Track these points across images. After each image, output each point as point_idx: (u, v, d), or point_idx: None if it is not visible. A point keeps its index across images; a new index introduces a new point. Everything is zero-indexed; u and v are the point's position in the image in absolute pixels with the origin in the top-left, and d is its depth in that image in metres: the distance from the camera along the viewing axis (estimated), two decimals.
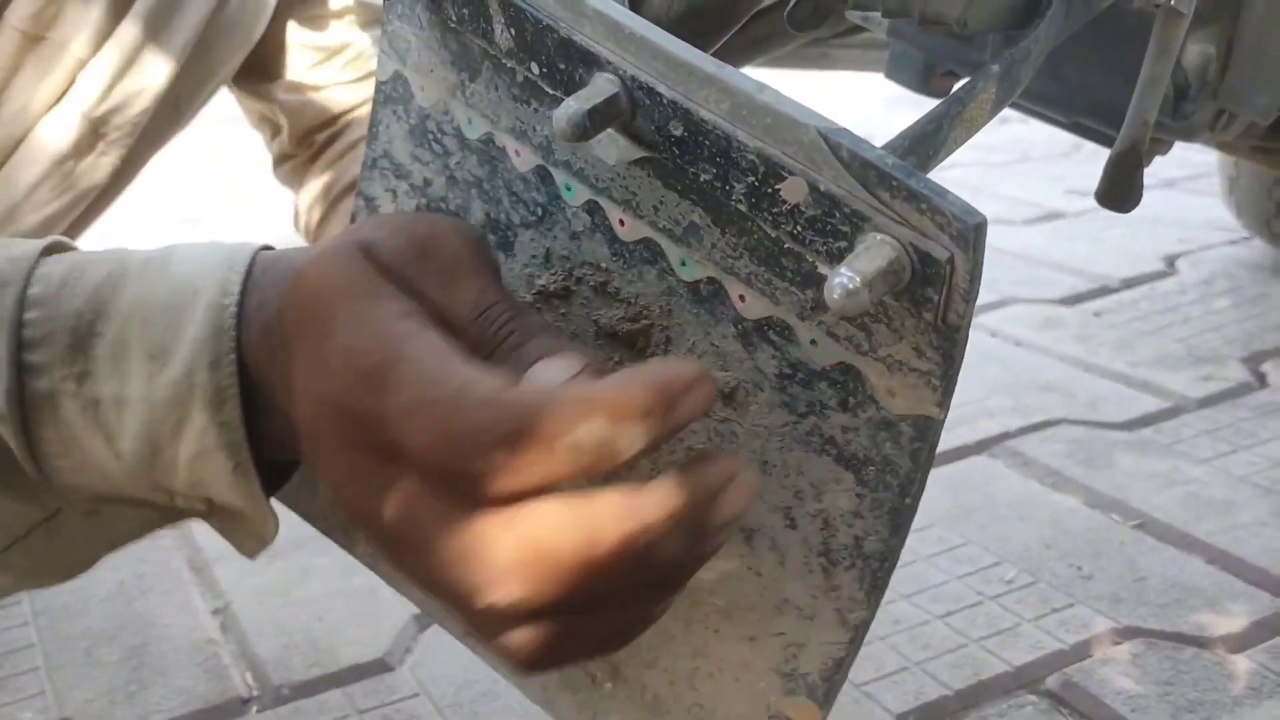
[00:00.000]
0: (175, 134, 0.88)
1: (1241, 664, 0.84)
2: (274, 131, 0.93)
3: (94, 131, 0.79)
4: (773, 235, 0.39)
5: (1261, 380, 1.29)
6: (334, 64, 0.89)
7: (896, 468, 0.39)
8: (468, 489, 0.33)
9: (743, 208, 0.39)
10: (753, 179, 0.38)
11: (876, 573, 0.41)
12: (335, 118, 0.89)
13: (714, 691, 0.45)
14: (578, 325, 0.45)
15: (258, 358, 0.41)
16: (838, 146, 0.35)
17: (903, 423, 0.39)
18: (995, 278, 1.63)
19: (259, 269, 0.43)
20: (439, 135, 0.47)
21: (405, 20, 0.47)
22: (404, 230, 0.40)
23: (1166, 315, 1.49)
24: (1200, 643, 0.86)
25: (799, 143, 0.36)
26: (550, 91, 0.42)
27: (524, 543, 0.33)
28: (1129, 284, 1.61)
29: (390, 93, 0.48)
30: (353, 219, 0.51)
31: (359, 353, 0.35)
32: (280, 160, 0.94)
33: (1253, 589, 0.93)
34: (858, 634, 0.42)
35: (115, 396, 0.42)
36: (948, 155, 0.41)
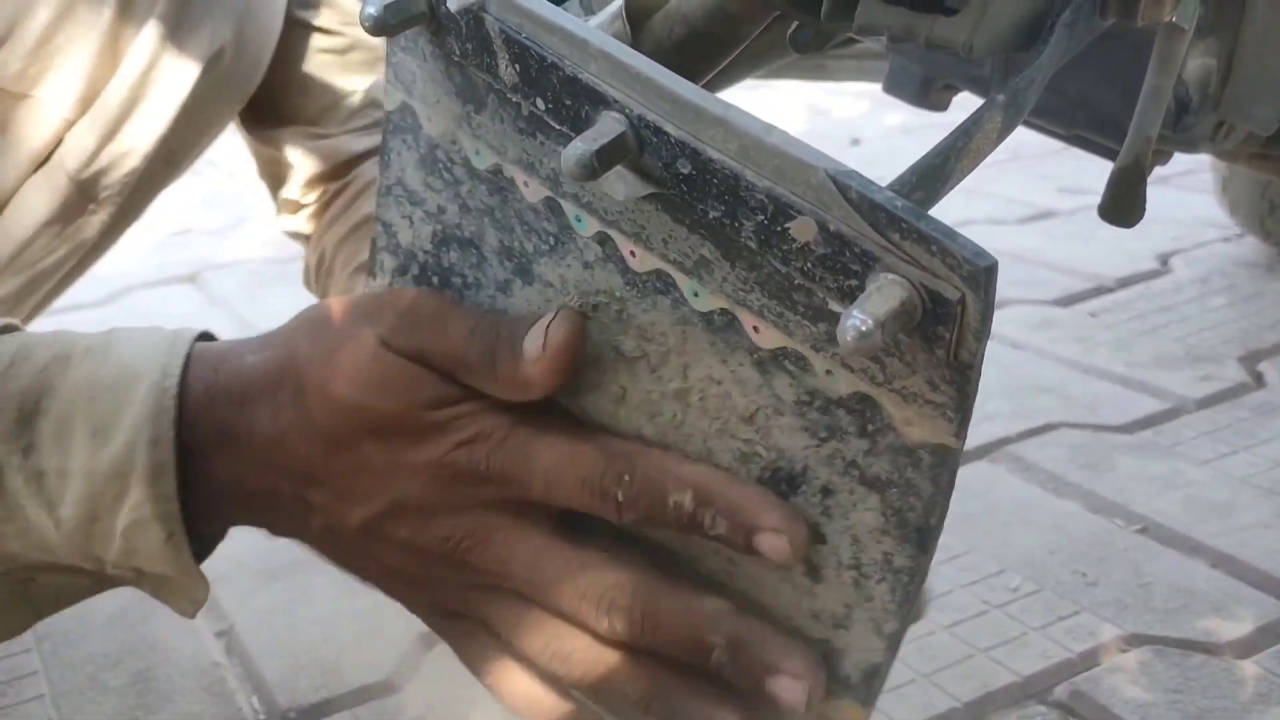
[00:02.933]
0: (169, 185, 0.86)
1: (1249, 670, 0.84)
2: (278, 181, 0.92)
3: (83, 193, 0.77)
4: (783, 271, 0.39)
5: (1259, 380, 1.30)
6: (344, 107, 0.88)
7: (919, 490, 0.40)
8: (602, 515, 0.44)
9: (752, 244, 0.39)
10: (762, 217, 0.38)
11: (907, 586, 0.42)
12: (344, 165, 0.88)
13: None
14: (598, 350, 0.45)
15: (227, 442, 0.47)
16: (846, 188, 0.35)
17: (921, 450, 0.39)
18: None
19: (211, 362, 0.48)
20: (449, 164, 0.47)
21: (409, 53, 0.47)
22: (391, 310, 0.47)
23: (1163, 315, 1.49)
24: (1207, 649, 0.87)
25: (808, 184, 0.36)
26: (556, 127, 0.42)
27: (646, 590, 0.44)
28: (1124, 283, 1.61)
29: (399, 122, 0.48)
30: (373, 243, 0.52)
31: (500, 438, 0.44)
32: (288, 210, 0.92)
33: (1258, 593, 0.93)
34: (892, 642, 0.43)
35: (58, 469, 0.46)
36: (955, 186, 0.41)
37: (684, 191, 0.39)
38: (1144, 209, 0.58)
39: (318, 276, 0.89)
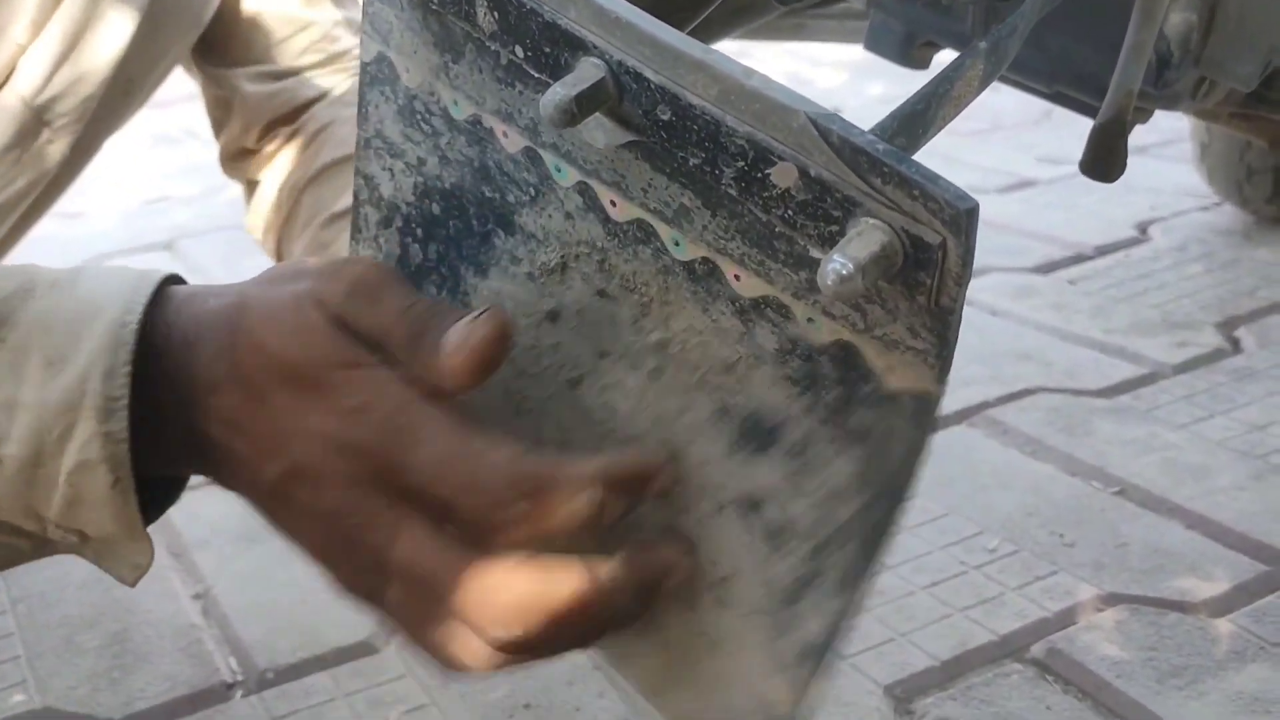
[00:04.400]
0: (129, 116, 0.85)
1: (1224, 628, 0.85)
2: (224, 120, 0.90)
3: (39, 118, 0.77)
4: (764, 219, 0.38)
5: (1235, 346, 1.30)
6: (298, 42, 0.87)
7: (899, 438, 0.40)
8: (484, 533, 0.41)
9: (733, 191, 0.38)
10: (742, 164, 0.37)
11: (881, 538, 0.42)
12: (298, 110, 0.87)
13: (713, 663, 0.46)
14: (579, 297, 0.45)
15: (178, 383, 0.45)
16: (828, 132, 0.35)
17: (903, 396, 0.39)
18: None
19: (175, 303, 0.46)
20: (427, 115, 0.47)
21: (386, 2, 0.46)
22: (334, 274, 0.46)
23: (1141, 282, 1.50)
24: (1183, 608, 0.87)
25: (788, 128, 0.36)
26: (535, 75, 0.42)
27: (526, 593, 0.41)
28: (1103, 251, 1.61)
29: (376, 73, 0.48)
30: (355, 196, 0.51)
31: (386, 413, 0.42)
32: (236, 155, 0.91)
33: (1232, 553, 0.93)
34: (859, 595, 0.42)
35: (8, 400, 0.44)
36: (936, 133, 0.41)
37: (664, 138, 0.39)
38: (1124, 165, 0.58)
39: (278, 223, 0.88)
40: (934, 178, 0.34)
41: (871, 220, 0.35)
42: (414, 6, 0.45)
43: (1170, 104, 0.63)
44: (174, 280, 0.48)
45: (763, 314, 0.40)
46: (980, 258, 1.72)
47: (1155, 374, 1.25)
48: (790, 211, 0.37)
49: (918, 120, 0.39)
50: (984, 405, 1.20)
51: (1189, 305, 1.41)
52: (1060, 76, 0.66)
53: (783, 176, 0.37)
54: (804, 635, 0.43)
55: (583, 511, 0.41)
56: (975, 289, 1.51)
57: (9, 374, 0.44)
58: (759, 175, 0.37)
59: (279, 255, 0.88)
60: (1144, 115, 0.66)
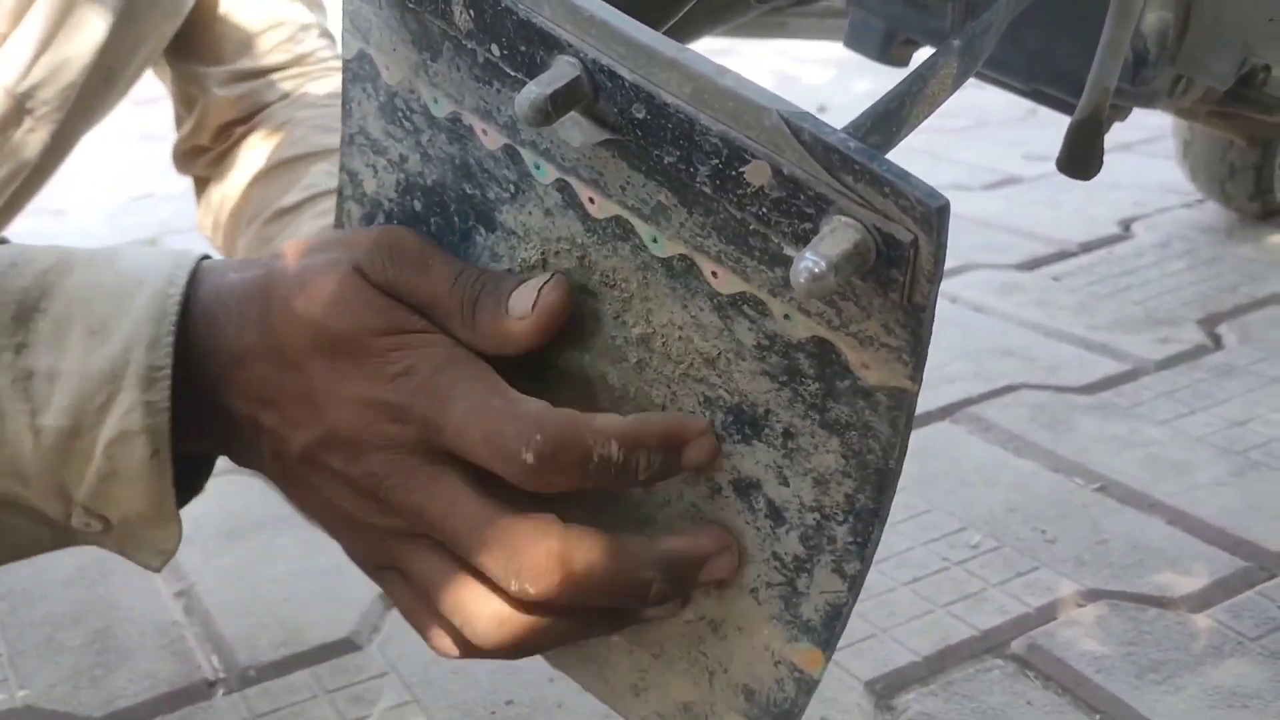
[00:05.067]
0: (110, 106, 0.85)
1: (1203, 623, 0.85)
2: (185, 117, 0.91)
3: (20, 106, 0.77)
4: (738, 216, 0.39)
5: (1217, 342, 1.31)
6: (268, 39, 0.87)
7: (877, 433, 0.40)
8: (513, 485, 0.42)
9: (708, 189, 0.39)
10: (716, 162, 0.38)
11: (869, 527, 0.42)
12: (256, 111, 0.87)
13: (719, 644, 0.46)
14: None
15: (200, 357, 0.45)
16: (800, 130, 0.35)
17: (879, 392, 0.39)
18: (954, 244, 1.63)
19: (198, 278, 0.47)
20: (408, 113, 0.47)
21: (365, 0, 0.46)
22: (374, 243, 0.46)
23: (1124, 279, 1.51)
24: (1162, 603, 0.88)
25: (761, 126, 0.36)
26: (512, 73, 0.42)
27: (555, 548, 0.41)
28: (1086, 248, 1.62)
29: (358, 70, 0.48)
30: (339, 192, 0.51)
31: (428, 374, 0.43)
32: (189, 151, 0.91)
33: (1212, 549, 0.94)
34: (854, 584, 0.43)
35: (49, 370, 0.44)
36: (910, 131, 0.41)
37: (639, 137, 0.39)
38: (1101, 162, 0.58)
39: (225, 220, 0.87)
40: (905, 176, 0.34)
41: (844, 218, 0.36)
42: (391, 5, 0.45)
43: (1147, 102, 0.63)
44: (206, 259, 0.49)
45: (741, 310, 0.41)
46: (964, 254, 1.73)
47: (1137, 370, 1.26)
48: (764, 209, 0.38)
49: (892, 118, 0.39)
50: (967, 401, 1.21)
51: (1171, 302, 1.42)
52: (1038, 74, 0.67)
53: (756, 174, 0.37)
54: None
55: (609, 463, 0.41)
56: (959, 285, 1.51)
57: (51, 344, 0.45)
58: (733, 173, 0.38)
59: (227, 253, 0.89)
60: (1121, 113, 0.66)
